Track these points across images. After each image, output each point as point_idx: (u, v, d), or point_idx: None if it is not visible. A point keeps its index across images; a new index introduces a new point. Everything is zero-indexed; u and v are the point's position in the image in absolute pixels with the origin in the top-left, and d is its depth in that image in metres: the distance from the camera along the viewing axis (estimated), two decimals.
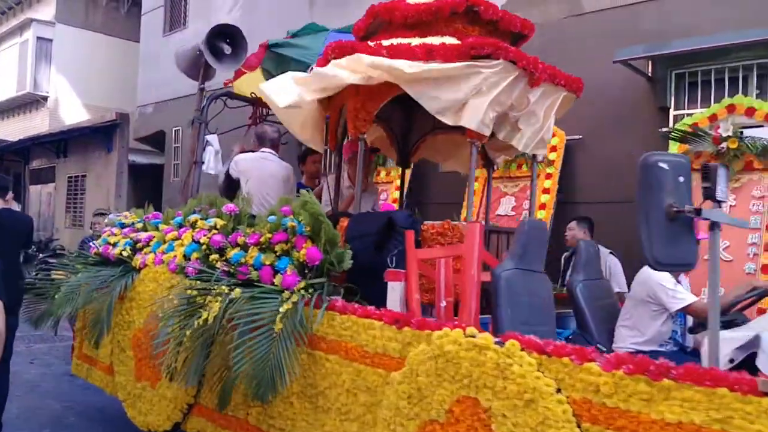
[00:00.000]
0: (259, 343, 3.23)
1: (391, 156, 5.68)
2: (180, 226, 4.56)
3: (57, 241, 15.16)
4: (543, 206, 6.63)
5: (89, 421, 5.62)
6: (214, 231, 4.13)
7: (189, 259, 4.17)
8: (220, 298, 3.50)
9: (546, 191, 6.73)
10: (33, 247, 14.61)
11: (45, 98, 19.29)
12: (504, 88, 3.54)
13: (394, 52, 3.56)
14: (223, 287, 3.55)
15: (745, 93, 5.85)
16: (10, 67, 19.99)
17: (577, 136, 6.91)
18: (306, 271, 3.46)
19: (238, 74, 5.82)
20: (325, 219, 3.47)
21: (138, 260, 4.69)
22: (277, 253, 3.57)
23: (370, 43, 3.82)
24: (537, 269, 3.52)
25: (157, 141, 15.13)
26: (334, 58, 3.85)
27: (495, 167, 5.09)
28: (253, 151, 5.38)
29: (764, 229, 5.16)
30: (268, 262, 3.55)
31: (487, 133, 3.57)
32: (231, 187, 5.19)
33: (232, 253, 3.80)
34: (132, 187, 14.45)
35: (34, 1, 20.33)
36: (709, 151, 5.47)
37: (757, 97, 5.80)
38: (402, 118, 5.15)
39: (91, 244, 6.61)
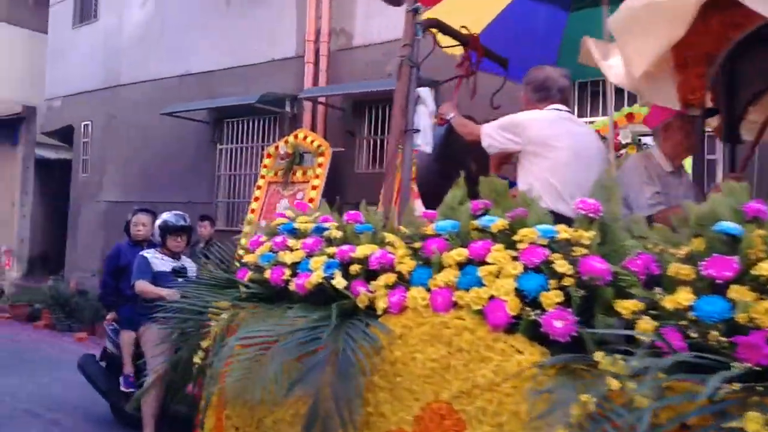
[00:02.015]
0: None
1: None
2: (457, 236, 2.42)
3: None
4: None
5: None
6: (583, 250, 2.05)
7: (533, 305, 2.03)
8: None
9: (314, 188, 7.94)
10: None
11: None
12: None
13: None
14: None
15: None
16: None
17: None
18: None
19: None
20: None
21: (376, 299, 2.48)
22: None
23: None
24: None
25: (65, 135, 14.61)
26: None
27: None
28: (488, 115, 3.66)
29: None
30: None
31: None
32: (449, 164, 3.17)
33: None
34: (39, 183, 13.88)
35: None
36: None
37: None
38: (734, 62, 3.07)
39: (147, 254, 4.94)
